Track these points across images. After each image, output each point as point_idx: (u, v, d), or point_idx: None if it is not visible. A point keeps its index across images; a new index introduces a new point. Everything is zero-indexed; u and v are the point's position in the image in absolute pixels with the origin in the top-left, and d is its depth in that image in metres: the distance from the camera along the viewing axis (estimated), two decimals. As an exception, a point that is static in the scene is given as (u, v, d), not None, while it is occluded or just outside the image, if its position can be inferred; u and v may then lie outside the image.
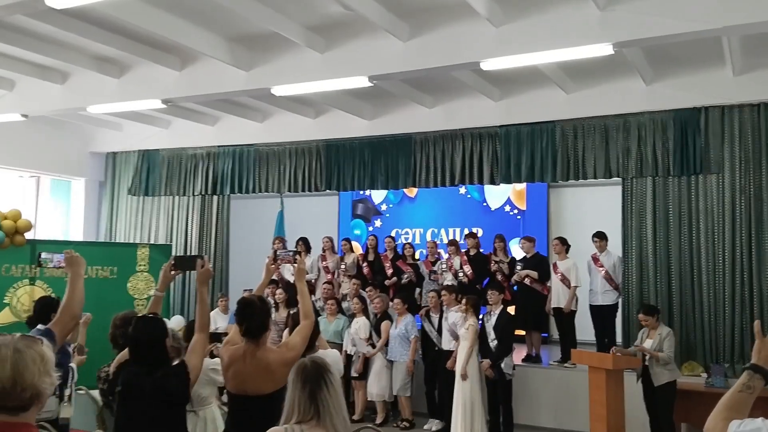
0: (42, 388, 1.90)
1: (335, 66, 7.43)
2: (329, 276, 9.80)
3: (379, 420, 8.29)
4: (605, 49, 6.39)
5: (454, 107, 9.54)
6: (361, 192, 12.10)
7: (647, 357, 6.86)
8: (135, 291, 9.47)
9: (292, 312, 5.74)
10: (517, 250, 9.89)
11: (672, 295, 8.32)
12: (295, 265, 4.24)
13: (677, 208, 8.36)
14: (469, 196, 11.67)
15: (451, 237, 11.15)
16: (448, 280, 9.08)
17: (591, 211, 10.22)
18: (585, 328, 8.65)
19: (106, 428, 4.71)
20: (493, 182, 9.68)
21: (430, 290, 8.85)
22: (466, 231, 10.39)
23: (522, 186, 10.99)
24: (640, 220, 8.57)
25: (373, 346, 8.36)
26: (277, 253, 4.52)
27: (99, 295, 8.02)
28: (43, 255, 3.94)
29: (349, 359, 8.32)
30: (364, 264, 9.85)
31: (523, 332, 8.92)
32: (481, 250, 9.41)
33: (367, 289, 8.92)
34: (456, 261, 9.24)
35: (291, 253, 4.51)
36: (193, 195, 11.59)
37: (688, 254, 8.27)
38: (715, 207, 8.15)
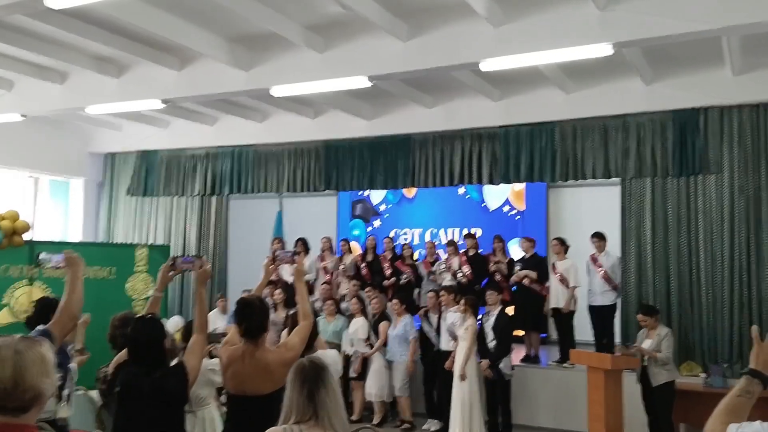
0: (43, 389, 1.90)
1: (334, 66, 7.42)
2: (328, 276, 9.80)
3: (376, 420, 8.28)
4: (605, 49, 6.39)
5: (453, 107, 9.53)
6: (360, 192, 12.10)
7: (646, 357, 6.87)
8: (133, 291, 9.46)
9: (290, 312, 5.73)
10: (516, 250, 9.90)
11: (671, 296, 8.32)
12: (294, 265, 4.23)
13: (676, 208, 8.36)
14: (468, 196, 11.65)
15: (449, 237, 11.14)
16: (447, 280, 9.09)
17: (590, 211, 10.20)
18: (584, 329, 8.65)
19: (104, 428, 4.71)
20: (492, 182, 9.68)
21: (428, 291, 8.85)
22: (465, 231, 10.41)
23: (521, 186, 10.99)
24: (639, 221, 8.57)
25: (372, 346, 8.36)
26: (276, 253, 4.50)
27: (98, 295, 8.00)
28: (42, 255, 3.92)
29: (347, 360, 8.32)
30: (363, 264, 9.85)
31: (521, 332, 8.92)
32: (479, 251, 9.43)
33: (365, 290, 8.93)
34: (455, 261, 9.24)
35: (290, 254, 4.49)
36: (192, 195, 11.58)
37: (687, 254, 8.28)
38: (714, 207, 8.15)
